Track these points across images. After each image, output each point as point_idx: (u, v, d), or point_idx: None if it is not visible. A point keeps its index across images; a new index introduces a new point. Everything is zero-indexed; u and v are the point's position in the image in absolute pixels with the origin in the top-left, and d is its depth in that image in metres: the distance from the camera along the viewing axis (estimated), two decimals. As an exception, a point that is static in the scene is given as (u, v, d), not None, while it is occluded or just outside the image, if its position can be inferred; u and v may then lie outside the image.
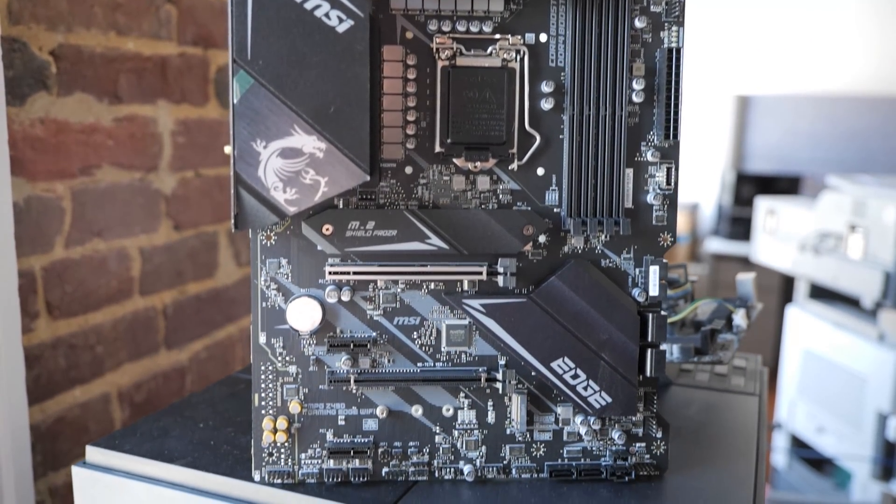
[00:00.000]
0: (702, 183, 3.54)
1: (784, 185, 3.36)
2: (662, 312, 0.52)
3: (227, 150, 0.47)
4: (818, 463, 1.96)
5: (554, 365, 0.52)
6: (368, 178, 0.47)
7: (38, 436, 0.77)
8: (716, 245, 3.34)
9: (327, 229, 0.50)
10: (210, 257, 1.00)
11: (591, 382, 0.52)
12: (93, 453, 0.58)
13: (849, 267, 1.72)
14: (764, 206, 2.13)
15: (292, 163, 0.46)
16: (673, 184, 0.52)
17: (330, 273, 0.51)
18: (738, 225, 3.36)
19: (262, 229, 0.48)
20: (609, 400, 0.52)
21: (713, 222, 3.52)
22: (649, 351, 0.52)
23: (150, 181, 0.89)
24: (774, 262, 2.04)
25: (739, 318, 0.72)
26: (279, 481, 0.53)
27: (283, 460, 0.53)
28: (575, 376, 0.52)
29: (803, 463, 1.98)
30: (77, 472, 0.57)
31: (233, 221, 0.47)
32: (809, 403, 1.94)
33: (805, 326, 1.94)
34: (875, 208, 1.64)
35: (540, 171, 0.52)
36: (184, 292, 0.96)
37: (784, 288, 2.90)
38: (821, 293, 1.94)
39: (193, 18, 0.93)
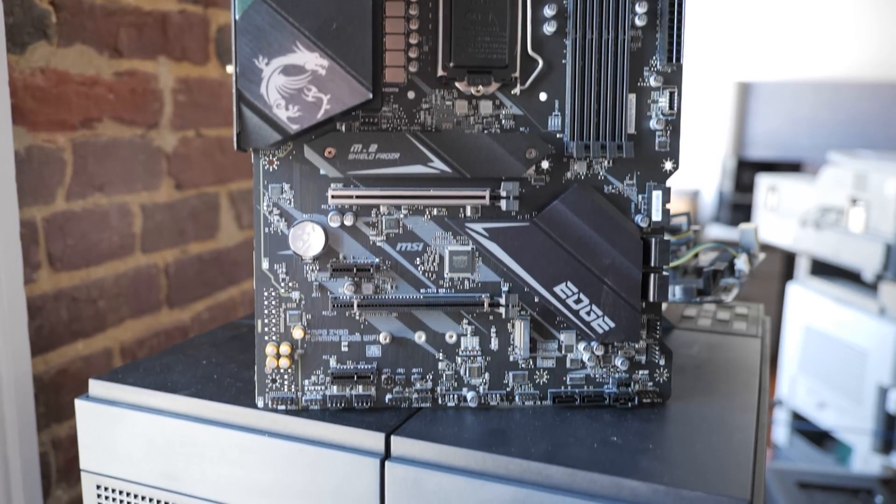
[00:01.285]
0: (703, 169, 3.54)
1: (784, 171, 3.36)
2: (665, 237, 0.52)
3: (230, 69, 0.47)
4: (819, 439, 1.96)
5: (557, 289, 0.52)
6: (371, 96, 0.47)
7: (40, 387, 0.77)
8: (717, 231, 3.34)
9: (330, 152, 0.50)
10: (212, 218, 1.00)
11: (594, 307, 0.52)
12: (96, 387, 0.58)
13: (850, 240, 1.72)
14: (765, 183, 2.13)
15: (294, 80, 0.46)
16: (676, 109, 0.52)
17: (332, 197, 0.51)
18: (739, 211, 3.35)
19: (265, 147, 0.48)
20: (612, 325, 0.52)
21: (714, 209, 3.52)
22: (652, 276, 0.52)
23: (151, 138, 0.89)
24: (776, 238, 2.04)
25: (742, 262, 0.72)
26: (282, 407, 0.53)
27: (286, 386, 0.53)
28: (578, 301, 0.52)
29: (804, 438, 1.98)
30: (80, 405, 0.58)
31: (235, 139, 0.47)
32: (810, 379, 1.94)
33: (806, 303, 1.94)
34: (876, 181, 1.64)
35: (542, 97, 0.52)
36: (185, 252, 0.96)
37: (785, 269, 2.90)
38: (822, 269, 1.94)
39: (194, -24, 0.93)
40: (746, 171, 3.40)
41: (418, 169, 0.50)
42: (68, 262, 0.80)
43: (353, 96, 0.47)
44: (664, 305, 0.78)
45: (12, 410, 0.73)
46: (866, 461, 1.73)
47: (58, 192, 0.78)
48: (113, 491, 0.58)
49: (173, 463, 0.55)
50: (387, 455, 0.50)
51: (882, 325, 1.69)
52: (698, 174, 3.55)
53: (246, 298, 1.08)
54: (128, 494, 0.57)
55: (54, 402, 0.79)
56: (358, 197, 0.51)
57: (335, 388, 0.53)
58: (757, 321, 0.75)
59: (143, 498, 0.57)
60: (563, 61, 0.51)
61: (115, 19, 0.82)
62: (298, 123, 0.47)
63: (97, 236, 0.83)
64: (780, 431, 2.06)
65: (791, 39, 3.35)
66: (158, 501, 0.56)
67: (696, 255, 0.77)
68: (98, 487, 0.58)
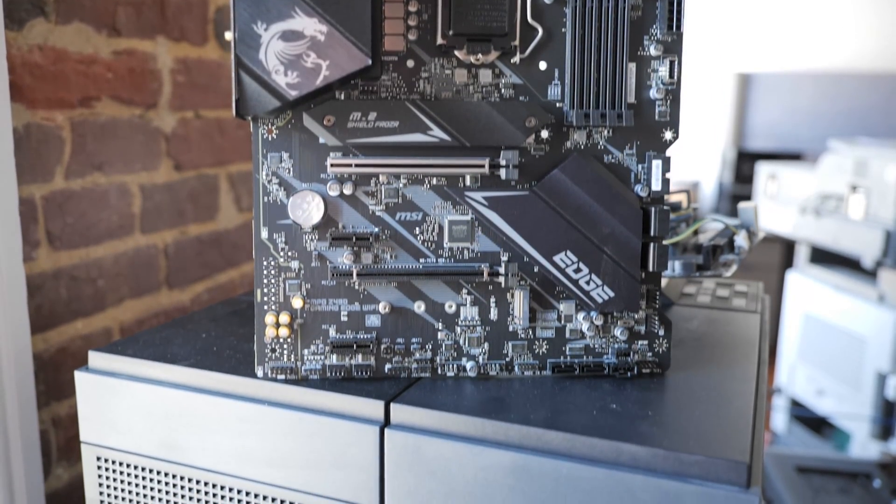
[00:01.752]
0: (703, 161, 3.54)
1: (784, 161, 3.36)
2: (665, 207, 0.52)
3: (228, 35, 0.47)
4: (817, 426, 1.96)
5: (556, 259, 0.52)
6: (370, 61, 0.47)
7: (40, 365, 0.77)
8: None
9: (329, 120, 0.50)
10: (211, 200, 1.00)
11: (593, 276, 0.52)
12: (95, 358, 0.58)
13: (850, 227, 1.72)
14: (765, 171, 2.13)
15: (293, 46, 0.46)
16: (676, 78, 0.52)
17: (332, 166, 0.51)
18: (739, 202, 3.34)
19: (264, 114, 0.48)
20: (612, 294, 0.52)
21: (714, 200, 3.52)
22: (652, 245, 0.52)
23: (149, 118, 0.89)
24: (775, 226, 2.04)
25: (741, 239, 0.72)
26: (282, 377, 0.53)
27: (285, 356, 0.53)
28: (577, 270, 0.52)
29: (802, 426, 1.99)
30: (80, 377, 0.58)
31: (234, 106, 0.47)
32: (809, 367, 1.95)
33: (805, 291, 1.94)
34: (876, 168, 1.64)
35: (542, 66, 0.52)
36: (185, 233, 0.96)
37: (784, 259, 2.90)
38: (821, 257, 1.94)
39: (192, -45, 0.93)
40: (746, 162, 3.40)
41: (417, 137, 0.50)
42: (67, 240, 0.80)
43: (353, 62, 0.47)
44: (664, 282, 0.79)
45: (12, 388, 0.74)
46: (864, 448, 1.74)
47: (56, 170, 0.78)
48: (113, 462, 0.58)
49: (173, 433, 0.55)
50: (386, 423, 0.50)
51: (881, 312, 1.70)
52: (698, 165, 3.54)
53: (246, 281, 1.08)
54: (128, 466, 0.57)
55: (54, 380, 0.79)
56: (357, 165, 0.51)
57: (335, 357, 0.53)
58: (756, 298, 0.75)
59: (142, 469, 0.57)
60: (563, 30, 0.51)
61: (114, -2, 0.82)
62: (297, 90, 0.47)
63: (96, 216, 0.83)
64: (779, 419, 2.07)
65: (791, 30, 3.34)
66: (158, 472, 0.56)
67: (695, 233, 0.77)
68: (98, 459, 0.58)
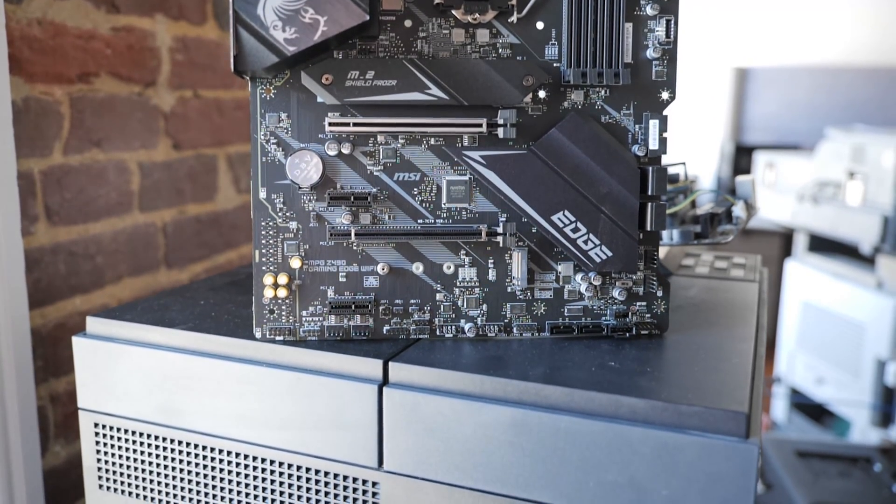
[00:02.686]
0: (701, 155, 3.53)
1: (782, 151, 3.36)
2: (663, 166, 0.52)
3: (226, -8, 0.47)
4: (817, 415, 1.96)
5: (554, 218, 0.52)
6: (368, 17, 0.47)
7: (38, 339, 0.77)
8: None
9: (327, 79, 0.50)
10: (210, 180, 1.00)
11: (591, 236, 0.52)
12: (93, 324, 0.58)
13: (847, 214, 1.72)
14: (762, 159, 2.13)
15: (292, 1, 0.46)
16: (673, 37, 0.52)
17: (330, 125, 0.51)
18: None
19: (262, 71, 0.48)
20: (610, 254, 0.52)
21: (712, 194, 3.52)
22: (650, 205, 0.52)
23: (148, 96, 0.89)
24: (774, 214, 2.04)
25: (739, 209, 0.72)
26: (280, 338, 0.53)
27: (283, 317, 0.53)
28: (575, 230, 0.52)
29: (802, 414, 1.99)
30: (78, 342, 0.58)
31: (232, 62, 0.47)
32: (809, 355, 1.95)
33: (804, 279, 1.95)
34: (874, 154, 1.65)
35: (539, 25, 0.52)
36: (183, 212, 0.96)
37: (783, 250, 2.90)
38: (819, 245, 1.94)
39: (190, -66, 0.93)
40: (744, 156, 3.40)
41: (415, 96, 0.50)
42: (66, 216, 0.80)
43: (351, 17, 0.47)
44: (662, 252, 0.79)
45: (10, 362, 0.73)
46: (865, 435, 1.74)
47: (55, 145, 0.78)
48: (111, 429, 0.58)
49: (171, 397, 0.55)
50: (385, 382, 0.50)
51: (880, 299, 1.70)
52: (696, 159, 3.54)
53: (244, 262, 1.08)
54: (126, 432, 0.57)
55: (52, 355, 0.79)
56: (355, 125, 0.51)
57: (333, 318, 0.53)
58: (754, 269, 0.75)
59: (140, 434, 0.57)
60: (560, -11, 0.51)
61: (112, -26, 0.82)
62: (295, 45, 0.47)
63: (95, 192, 0.83)
64: (779, 407, 2.07)
65: (787, 25, 3.35)
66: (156, 437, 0.56)
67: (693, 205, 0.77)
68: (96, 426, 0.58)
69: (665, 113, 0.52)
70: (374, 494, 0.50)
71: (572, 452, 0.45)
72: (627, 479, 0.44)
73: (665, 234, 0.67)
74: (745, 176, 0.79)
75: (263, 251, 0.52)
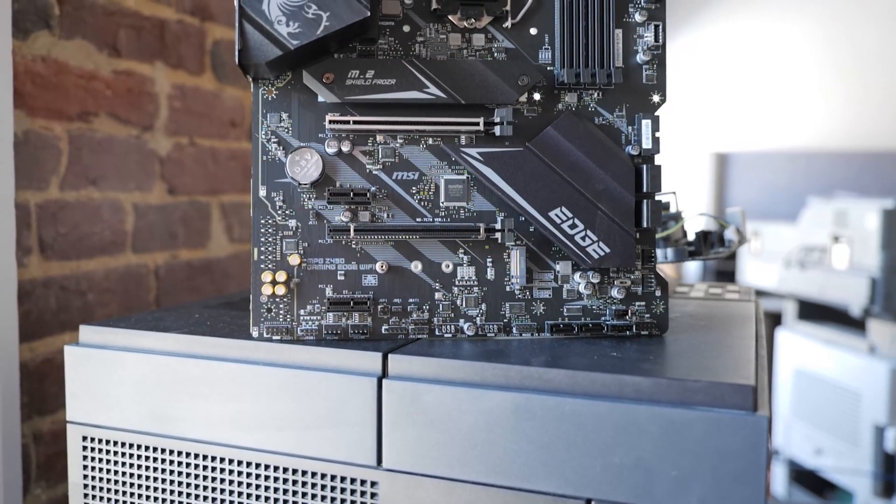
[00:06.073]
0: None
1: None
2: (656, 164, 0.53)
3: (232, -7, 0.49)
4: (819, 488, 1.92)
5: (552, 214, 0.52)
6: (368, 13, 0.48)
7: (24, 374, 0.75)
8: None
9: (328, 77, 0.51)
10: (203, 226, 1.00)
11: (588, 232, 0.52)
12: (86, 333, 0.57)
13: (835, 277, 1.74)
14: (747, 228, 2.16)
15: (295, -2, 0.48)
16: (661, 42, 0.54)
17: (330, 122, 0.52)
18: (724, 277, 3.37)
19: (265, 63, 0.49)
20: (607, 250, 0.52)
21: (698, 274, 3.55)
22: (645, 202, 0.53)
23: (145, 140, 0.90)
24: (761, 282, 2.06)
25: (731, 232, 0.73)
26: (277, 338, 0.52)
27: (281, 316, 0.52)
28: (573, 226, 0.52)
29: (803, 489, 1.94)
30: (70, 351, 0.56)
31: (236, 55, 0.48)
32: (805, 425, 1.92)
33: (795, 347, 1.94)
34: (856, 217, 1.68)
35: (533, 31, 0.54)
36: (176, 256, 0.96)
37: (771, 320, 2.90)
38: (809, 313, 1.94)
39: (192, -12, 0.96)
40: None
41: (414, 94, 0.52)
42: (59, 250, 0.80)
43: (352, 13, 0.48)
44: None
45: (-5, 393, 0.72)
46: (868, 505, 1.70)
47: (52, 179, 0.79)
48: (100, 442, 0.56)
49: (164, 403, 0.54)
50: (384, 374, 0.49)
51: (873, 364, 1.69)
52: (682, 241, 3.58)
53: (236, 311, 1.07)
54: (115, 444, 0.55)
55: (38, 391, 0.77)
56: (355, 122, 0.52)
57: (331, 317, 0.52)
58: (749, 294, 0.75)
59: (130, 446, 0.55)
60: (552, -3, 0.54)
61: (116, 19, 0.85)
62: (299, 39, 0.48)
63: (89, 229, 0.83)
64: (779, 482, 2.02)
65: (766, 112, 3.47)
66: (147, 448, 0.54)
67: (684, 233, 0.78)
68: (84, 440, 0.56)
69: (657, 114, 0.54)
70: (372, 495, 0.49)
71: (577, 436, 0.44)
72: (635, 461, 0.43)
73: (659, 252, 0.68)
74: (734, 207, 0.80)
75: (262, 249, 0.52)
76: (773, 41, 2.94)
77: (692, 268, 3.49)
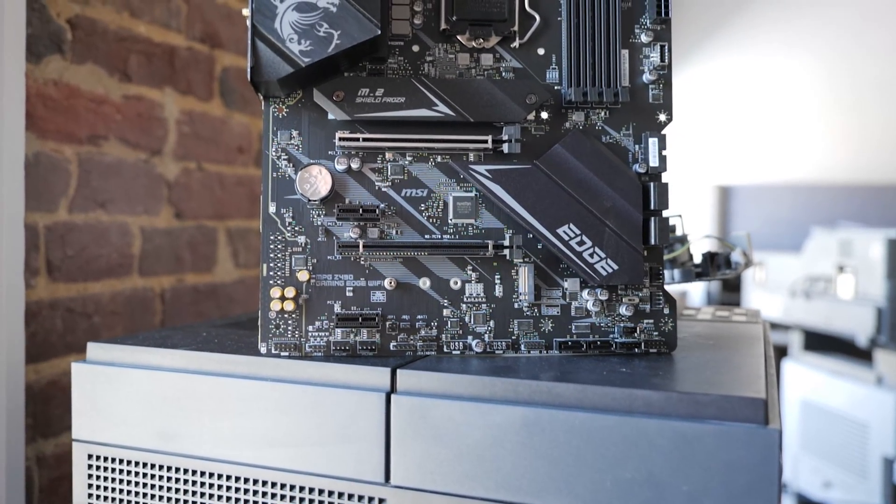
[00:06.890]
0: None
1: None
2: (664, 181, 0.54)
3: (245, 11, 0.50)
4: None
5: (560, 231, 0.52)
6: (379, 31, 0.49)
7: (30, 395, 0.75)
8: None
9: (338, 95, 0.52)
10: (209, 251, 1.01)
11: (596, 249, 0.53)
12: (94, 350, 0.57)
13: (840, 307, 1.73)
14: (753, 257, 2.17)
15: (307, 16, 0.49)
16: (667, 62, 0.55)
17: (340, 140, 0.52)
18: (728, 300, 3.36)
19: (276, 82, 0.50)
20: (615, 267, 0.53)
21: (703, 304, 3.54)
22: (653, 219, 0.53)
23: (154, 164, 0.91)
24: (766, 312, 2.05)
25: (737, 254, 0.73)
26: (286, 354, 0.52)
27: (290, 332, 0.52)
28: (581, 243, 0.52)
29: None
30: (77, 368, 0.56)
31: (249, 72, 0.49)
32: (814, 458, 1.90)
33: (802, 378, 1.93)
34: (861, 246, 1.68)
35: (540, 51, 0.55)
36: (182, 280, 0.96)
37: (777, 351, 2.89)
38: (814, 344, 1.94)
39: (201, 15, 0.98)
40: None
41: (423, 112, 0.52)
42: (66, 272, 0.80)
43: (363, 32, 0.49)
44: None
45: (2, 417, 0.71)
46: (878, 538, 1.67)
47: (61, 201, 0.79)
48: (105, 460, 0.56)
49: (171, 421, 0.53)
50: (392, 390, 0.49)
51: (880, 394, 1.68)
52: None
53: (240, 336, 1.07)
54: (120, 462, 0.55)
55: (42, 413, 0.77)
56: (365, 140, 0.52)
57: (339, 333, 0.52)
58: (756, 316, 0.75)
59: (136, 463, 0.55)
60: (559, 18, 0.55)
61: (126, 45, 0.86)
62: (310, 56, 0.49)
63: (96, 251, 0.83)
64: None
65: (768, 145, 3.49)
66: (153, 465, 0.54)
67: (690, 256, 0.78)
68: (90, 458, 0.56)
69: (663, 133, 0.54)
70: (380, 513, 0.48)
71: (587, 451, 0.44)
72: (646, 476, 0.43)
73: (667, 274, 0.68)
74: (740, 231, 0.80)
75: (271, 265, 0.52)
76: (776, 75, 2.98)
77: (697, 296, 3.49)
